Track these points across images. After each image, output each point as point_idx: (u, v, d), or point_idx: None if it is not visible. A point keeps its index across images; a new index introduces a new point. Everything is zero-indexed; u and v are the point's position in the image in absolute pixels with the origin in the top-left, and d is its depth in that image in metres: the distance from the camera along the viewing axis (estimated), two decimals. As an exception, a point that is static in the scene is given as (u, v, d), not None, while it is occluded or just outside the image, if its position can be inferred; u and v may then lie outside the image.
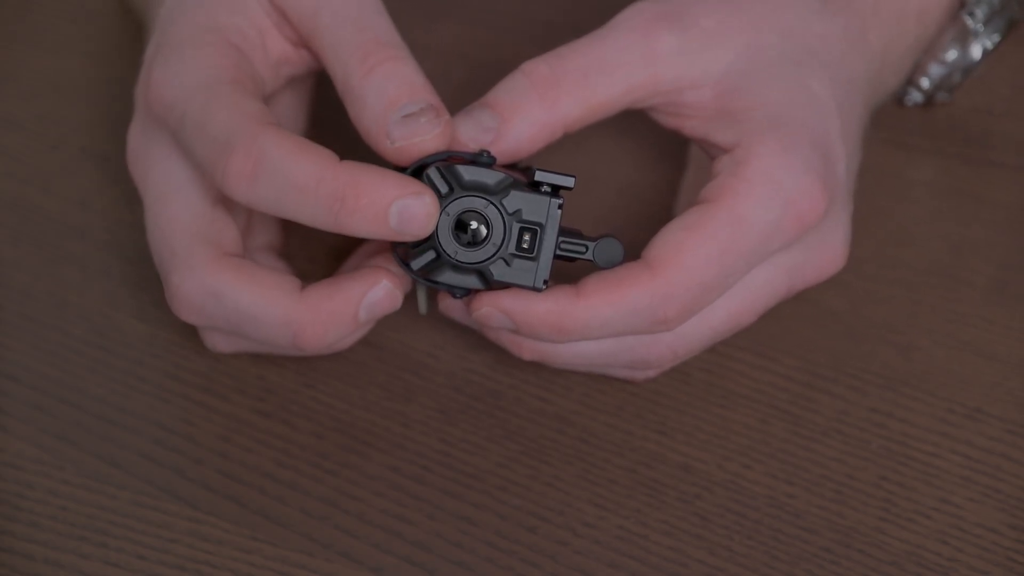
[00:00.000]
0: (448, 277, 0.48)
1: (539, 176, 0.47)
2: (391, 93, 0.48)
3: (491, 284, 0.48)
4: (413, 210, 0.46)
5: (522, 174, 0.49)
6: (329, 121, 0.60)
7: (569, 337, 0.48)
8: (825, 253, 0.51)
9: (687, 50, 0.50)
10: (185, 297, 0.49)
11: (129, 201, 0.59)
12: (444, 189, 0.47)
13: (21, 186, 0.61)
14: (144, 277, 0.57)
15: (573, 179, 0.47)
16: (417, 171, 0.48)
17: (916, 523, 0.50)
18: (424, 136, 0.47)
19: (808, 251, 0.50)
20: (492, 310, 0.48)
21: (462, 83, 0.63)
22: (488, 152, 0.48)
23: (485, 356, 0.54)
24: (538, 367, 0.54)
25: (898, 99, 0.61)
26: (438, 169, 0.47)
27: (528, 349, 0.50)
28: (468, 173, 0.47)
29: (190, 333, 0.55)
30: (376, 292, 0.49)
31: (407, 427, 0.52)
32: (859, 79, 0.53)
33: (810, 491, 0.51)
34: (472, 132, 0.49)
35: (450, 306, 0.51)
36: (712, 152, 0.51)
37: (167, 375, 0.54)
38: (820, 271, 0.51)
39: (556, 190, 0.47)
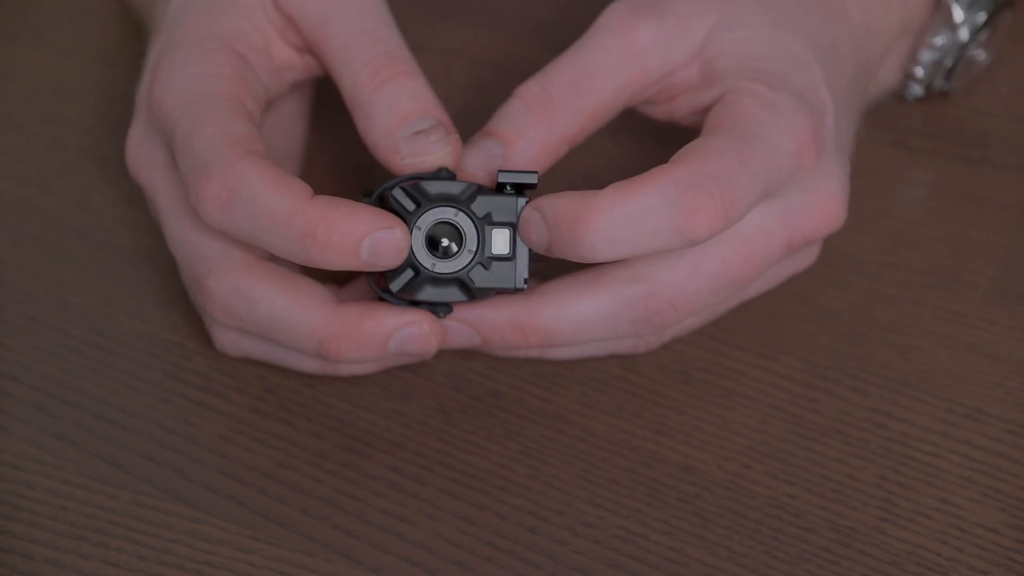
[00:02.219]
0: (429, 293, 0.48)
1: (502, 178, 0.48)
2: (403, 108, 0.48)
3: (474, 293, 0.48)
4: (384, 243, 0.46)
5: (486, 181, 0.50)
6: (329, 122, 0.60)
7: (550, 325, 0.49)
8: (820, 198, 0.50)
9: (667, 37, 0.51)
10: (220, 299, 0.49)
11: (129, 201, 0.59)
12: (411, 206, 0.47)
13: (21, 186, 0.61)
14: (144, 277, 0.57)
15: (536, 175, 0.48)
16: (380, 195, 0.48)
17: (916, 523, 0.50)
18: (434, 154, 0.48)
19: (803, 194, 0.50)
20: (456, 324, 0.49)
21: (462, 83, 0.63)
22: (447, 168, 0.48)
23: (485, 356, 0.54)
24: (538, 366, 0.54)
25: (899, 95, 0.61)
26: (403, 189, 0.47)
27: (532, 331, 0.50)
28: (433, 187, 0.47)
29: (190, 333, 0.55)
30: (412, 329, 0.49)
31: (407, 427, 0.52)
32: (841, 44, 0.53)
33: (810, 491, 0.50)
34: (479, 161, 0.50)
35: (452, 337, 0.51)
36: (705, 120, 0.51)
37: (167, 375, 0.54)
38: (817, 220, 0.50)
39: (521, 189, 0.48)
